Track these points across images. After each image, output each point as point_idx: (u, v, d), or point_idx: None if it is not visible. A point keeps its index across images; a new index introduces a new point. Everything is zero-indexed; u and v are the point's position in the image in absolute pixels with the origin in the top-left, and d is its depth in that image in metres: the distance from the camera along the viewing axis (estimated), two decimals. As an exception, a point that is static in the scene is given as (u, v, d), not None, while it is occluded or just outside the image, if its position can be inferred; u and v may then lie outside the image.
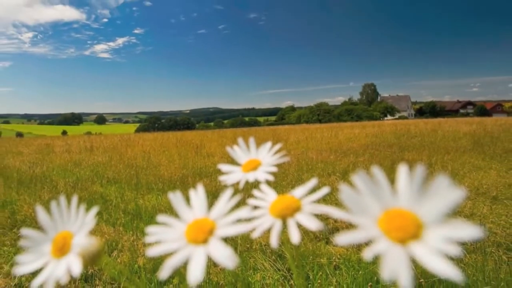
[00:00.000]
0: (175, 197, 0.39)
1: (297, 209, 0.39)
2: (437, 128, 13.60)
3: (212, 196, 0.35)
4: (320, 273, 2.32)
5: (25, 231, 0.40)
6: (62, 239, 0.37)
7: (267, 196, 0.43)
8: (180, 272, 0.32)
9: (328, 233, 3.05)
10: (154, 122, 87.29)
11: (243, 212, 0.37)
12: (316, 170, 5.95)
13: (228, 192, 0.39)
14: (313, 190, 0.41)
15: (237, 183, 0.50)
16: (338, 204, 0.30)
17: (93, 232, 0.38)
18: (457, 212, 3.40)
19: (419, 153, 7.45)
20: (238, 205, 0.38)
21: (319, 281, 2.22)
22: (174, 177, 5.76)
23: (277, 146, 0.54)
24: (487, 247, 2.62)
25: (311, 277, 2.30)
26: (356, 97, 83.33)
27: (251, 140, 0.56)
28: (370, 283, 2.04)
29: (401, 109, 74.44)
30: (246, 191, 0.45)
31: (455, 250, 0.24)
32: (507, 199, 3.92)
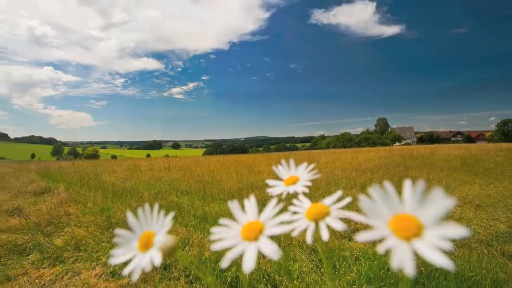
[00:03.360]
0: (233, 205, 0.40)
1: (326, 214, 0.39)
2: (434, 152, 12.78)
3: (262, 204, 0.37)
4: (344, 263, 2.30)
5: (118, 231, 0.41)
6: (147, 237, 0.38)
7: (304, 204, 0.44)
8: (237, 263, 0.33)
9: (350, 232, 2.96)
10: (217, 147, 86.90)
11: (285, 216, 0.37)
12: (341, 184, 5.73)
13: (274, 201, 0.39)
14: (339, 199, 0.40)
15: (281, 194, 0.50)
16: (358, 210, 0.31)
17: (170, 232, 0.39)
18: (449, 217, 3.26)
19: (420, 171, 7.06)
20: (281, 211, 0.38)
21: (343, 269, 2.20)
22: (232, 189, 5.72)
23: (311, 166, 0.54)
24: (472, 243, 2.62)
25: (337, 266, 2.28)
26: (371, 128, 79.81)
27: (291, 161, 0.56)
28: (382, 271, 2.04)
29: (406, 138, 71.32)
30: (287, 200, 0.45)
31: (448, 246, 0.24)
32: (488, 207, 3.81)
